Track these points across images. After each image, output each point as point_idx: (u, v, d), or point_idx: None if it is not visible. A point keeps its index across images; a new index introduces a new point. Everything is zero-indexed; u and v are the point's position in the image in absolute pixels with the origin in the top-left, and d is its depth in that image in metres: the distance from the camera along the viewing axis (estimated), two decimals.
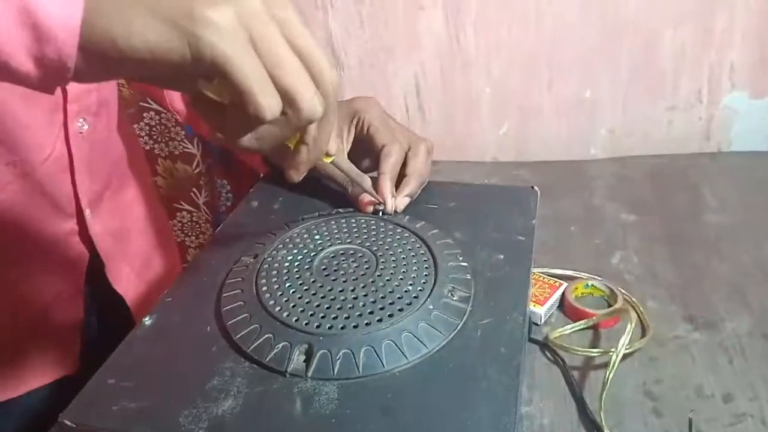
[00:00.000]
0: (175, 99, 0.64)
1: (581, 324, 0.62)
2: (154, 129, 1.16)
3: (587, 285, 0.67)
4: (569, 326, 0.62)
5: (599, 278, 0.67)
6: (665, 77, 0.92)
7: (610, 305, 0.65)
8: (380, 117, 0.55)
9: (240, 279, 0.44)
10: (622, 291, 0.65)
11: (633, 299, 0.65)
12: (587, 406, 0.53)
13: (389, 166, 0.52)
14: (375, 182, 0.51)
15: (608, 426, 0.50)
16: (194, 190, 1.24)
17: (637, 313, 0.63)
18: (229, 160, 1.17)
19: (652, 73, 0.92)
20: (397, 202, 0.51)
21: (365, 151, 0.55)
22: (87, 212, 0.56)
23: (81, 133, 0.53)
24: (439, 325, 0.40)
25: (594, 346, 0.60)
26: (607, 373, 0.52)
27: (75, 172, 0.54)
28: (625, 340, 0.53)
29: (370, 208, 0.51)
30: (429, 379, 0.37)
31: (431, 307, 0.40)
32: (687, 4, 0.86)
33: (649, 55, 0.90)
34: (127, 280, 0.63)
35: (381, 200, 0.51)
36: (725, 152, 0.97)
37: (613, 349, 0.53)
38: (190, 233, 1.30)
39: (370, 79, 0.97)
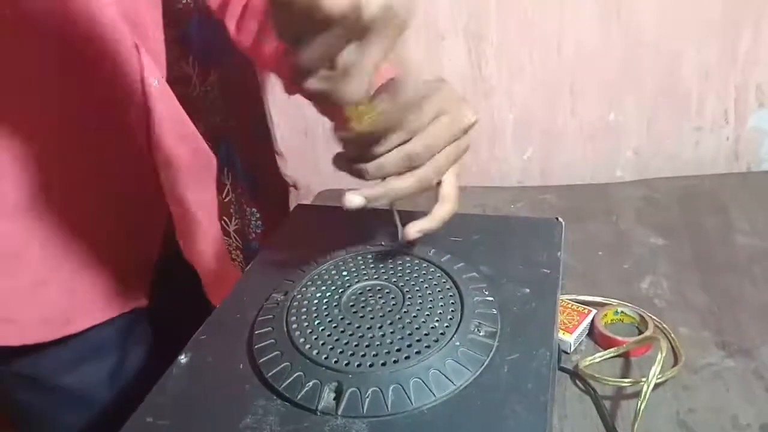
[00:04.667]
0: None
1: (611, 352, 0.61)
2: None
3: (617, 312, 0.67)
4: (599, 354, 0.61)
5: (629, 304, 0.67)
6: (690, 98, 0.91)
7: (640, 332, 0.65)
8: None
9: (271, 316, 0.45)
10: (653, 317, 0.65)
11: (664, 325, 0.64)
12: None
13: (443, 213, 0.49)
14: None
15: None
16: (224, 218, 1.26)
17: (668, 339, 0.62)
18: (258, 188, 1.19)
19: (676, 94, 0.91)
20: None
21: None
22: (162, 176, 0.57)
23: (155, 87, 0.53)
24: (466, 361, 0.40)
25: (625, 375, 0.60)
26: (639, 404, 0.51)
27: (153, 126, 0.54)
28: (656, 370, 0.52)
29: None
30: (456, 417, 0.37)
31: (458, 343, 0.41)
32: (710, 24, 0.86)
33: (673, 76, 0.90)
34: (197, 251, 0.63)
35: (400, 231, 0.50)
36: (755, 172, 0.95)
37: (644, 379, 0.53)
38: None
39: None
